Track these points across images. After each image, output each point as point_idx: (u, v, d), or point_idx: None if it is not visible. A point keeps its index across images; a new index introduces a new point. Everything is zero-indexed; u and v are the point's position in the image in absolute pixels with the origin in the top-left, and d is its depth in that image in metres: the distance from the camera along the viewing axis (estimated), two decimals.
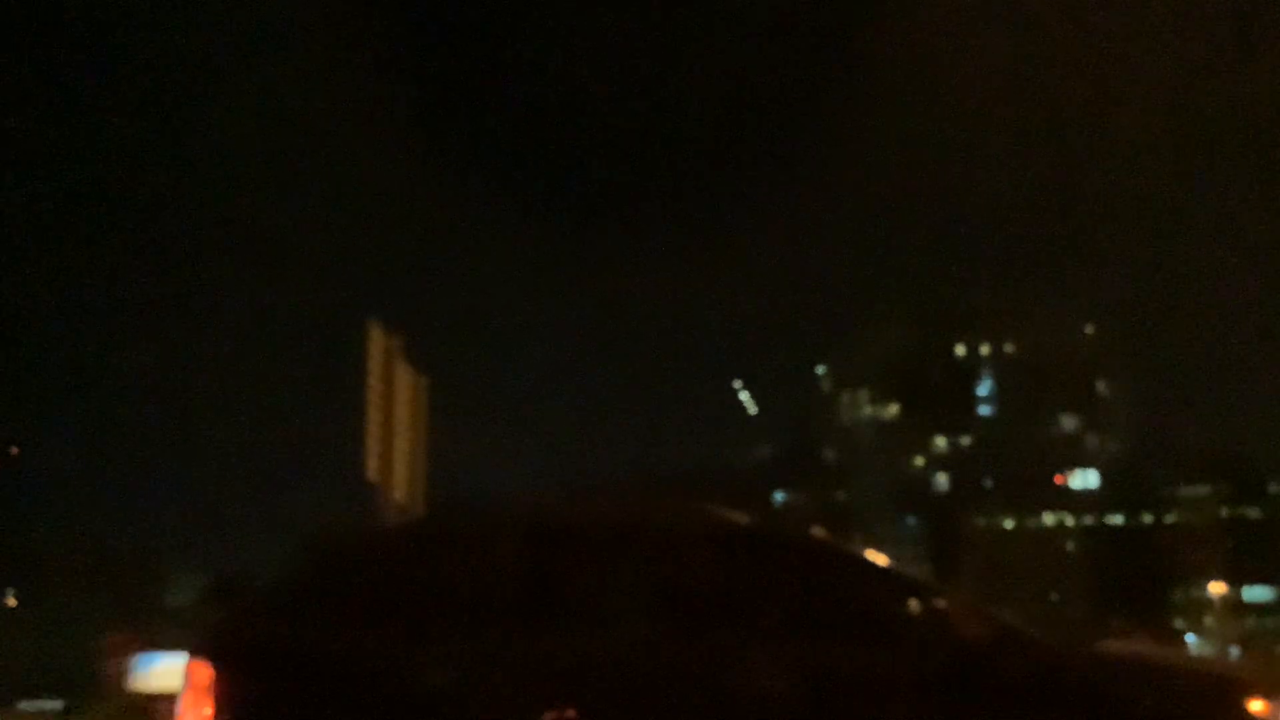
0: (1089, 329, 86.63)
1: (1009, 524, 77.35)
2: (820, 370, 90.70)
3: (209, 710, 4.80)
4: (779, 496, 77.81)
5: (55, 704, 28.79)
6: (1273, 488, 75.00)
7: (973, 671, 4.76)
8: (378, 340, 10.77)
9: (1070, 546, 76.32)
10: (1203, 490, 74.36)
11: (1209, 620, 71.05)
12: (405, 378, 11.10)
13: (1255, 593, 73.47)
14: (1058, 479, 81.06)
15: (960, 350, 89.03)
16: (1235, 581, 72.45)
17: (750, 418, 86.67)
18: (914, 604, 4.96)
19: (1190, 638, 63.52)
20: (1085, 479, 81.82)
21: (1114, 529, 76.83)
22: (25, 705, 30.59)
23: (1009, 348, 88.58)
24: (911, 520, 79.98)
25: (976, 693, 4.74)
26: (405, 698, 4.76)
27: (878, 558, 5.20)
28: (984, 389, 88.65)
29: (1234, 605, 72.39)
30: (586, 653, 4.76)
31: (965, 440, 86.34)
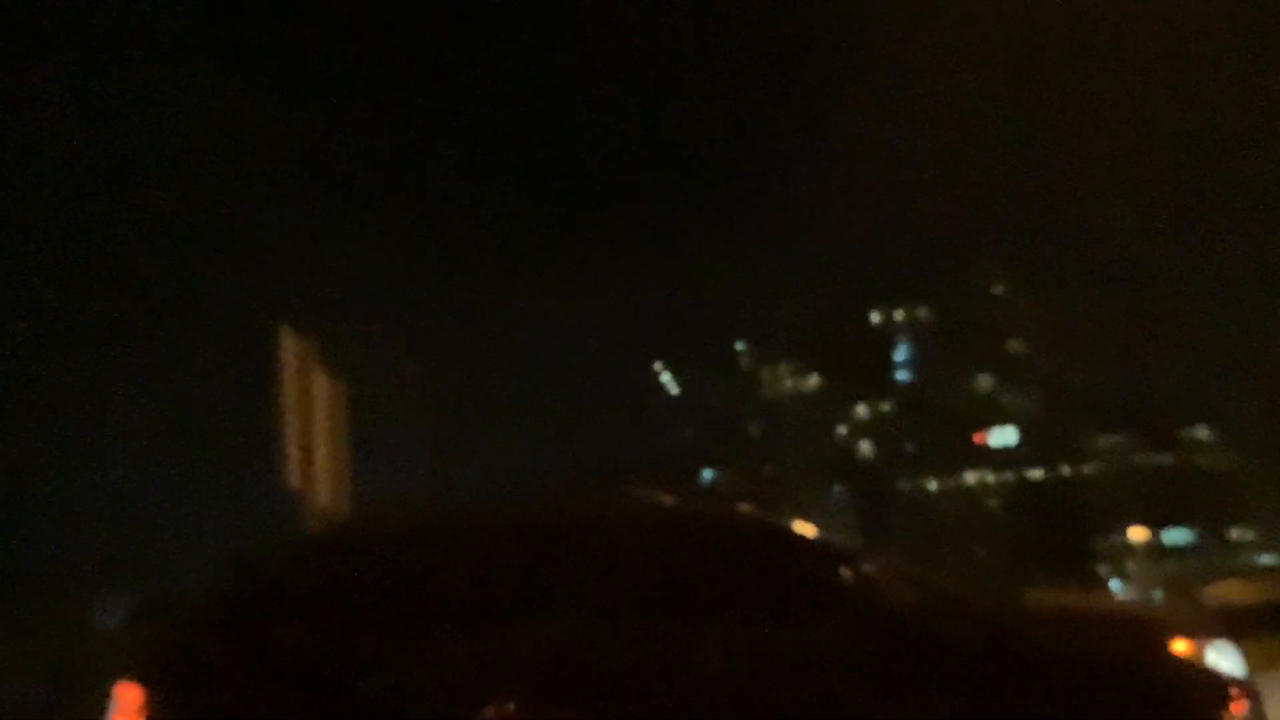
0: (998, 289, 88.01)
1: (933, 486, 78.54)
2: (739, 346, 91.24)
3: None
4: (706, 475, 78.18)
5: None
6: (1183, 434, 76.91)
7: (906, 636, 4.82)
8: (291, 346, 10.63)
9: (993, 503, 77.70)
10: (1116, 439, 76.09)
11: (1131, 566, 72.71)
12: (323, 383, 10.96)
13: (1174, 536, 75.30)
14: (977, 438, 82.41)
15: (875, 318, 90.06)
16: (1155, 526, 74.23)
17: (673, 398, 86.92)
18: (844, 573, 5.01)
19: (1115, 584, 64.97)
20: (1004, 436, 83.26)
21: (1034, 483, 78.33)
22: None
23: (922, 312, 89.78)
24: (838, 489, 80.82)
25: (911, 657, 4.80)
26: (338, 704, 4.72)
27: (806, 529, 5.24)
28: (901, 354, 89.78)
29: (1155, 550, 74.14)
30: (523, 646, 4.75)
31: (885, 406, 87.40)
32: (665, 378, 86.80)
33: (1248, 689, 5.00)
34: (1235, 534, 74.77)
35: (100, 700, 5.13)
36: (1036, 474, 78.97)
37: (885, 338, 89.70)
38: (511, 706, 4.62)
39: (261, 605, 5.01)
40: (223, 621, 5.00)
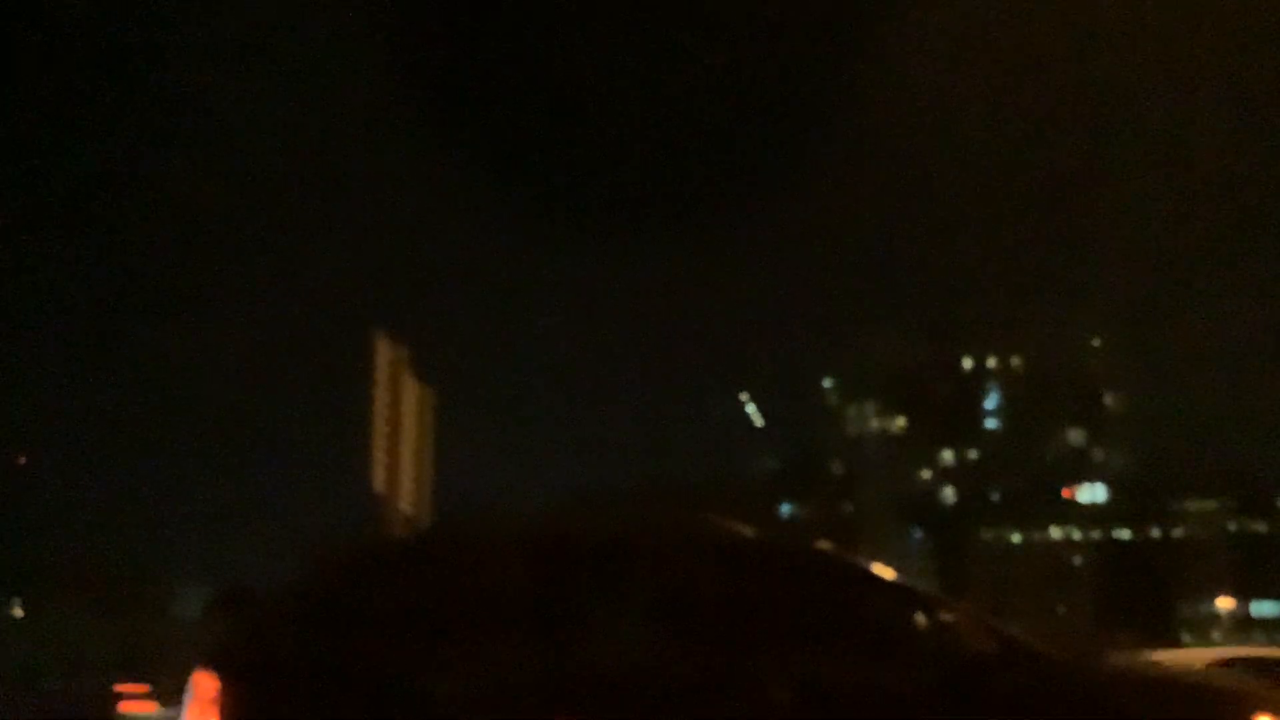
0: (1096, 342, 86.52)
1: (1016, 538, 77.17)
2: (827, 383, 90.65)
3: None
4: (785, 509, 77.73)
5: None
6: None
7: (979, 685, 4.75)
8: (385, 352, 10.79)
9: (1077, 560, 76.13)
10: (1210, 504, 74.15)
11: (1216, 635, 70.80)
12: (412, 390, 11.12)
13: (1263, 608, 73.22)
14: (1065, 493, 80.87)
15: (967, 363, 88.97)
16: (1243, 596, 72.21)
17: (756, 430, 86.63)
18: (920, 617, 4.95)
19: None
20: (1093, 493, 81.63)
21: (1121, 543, 76.63)
22: None
23: (1015, 361, 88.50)
24: (918, 533, 79.81)
25: (983, 706, 4.73)
26: (413, 710, 4.76)
27: (884, 571, 5.19)
28: (991, 402, 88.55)
29: (1241, 620, 72.13)
30: (593, 664, 4.77)
31: (972, 453, 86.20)
32: (750, 409, 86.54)
33: None
34: None
35: (173, 683, 5.23)
36: (1124, 534, 77.26)
37: (976, 384, 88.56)
38: None
39: (340, 606, 5.08)
40: (301, 619, 5.07)
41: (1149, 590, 68.88)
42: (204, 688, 4.85)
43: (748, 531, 5.25)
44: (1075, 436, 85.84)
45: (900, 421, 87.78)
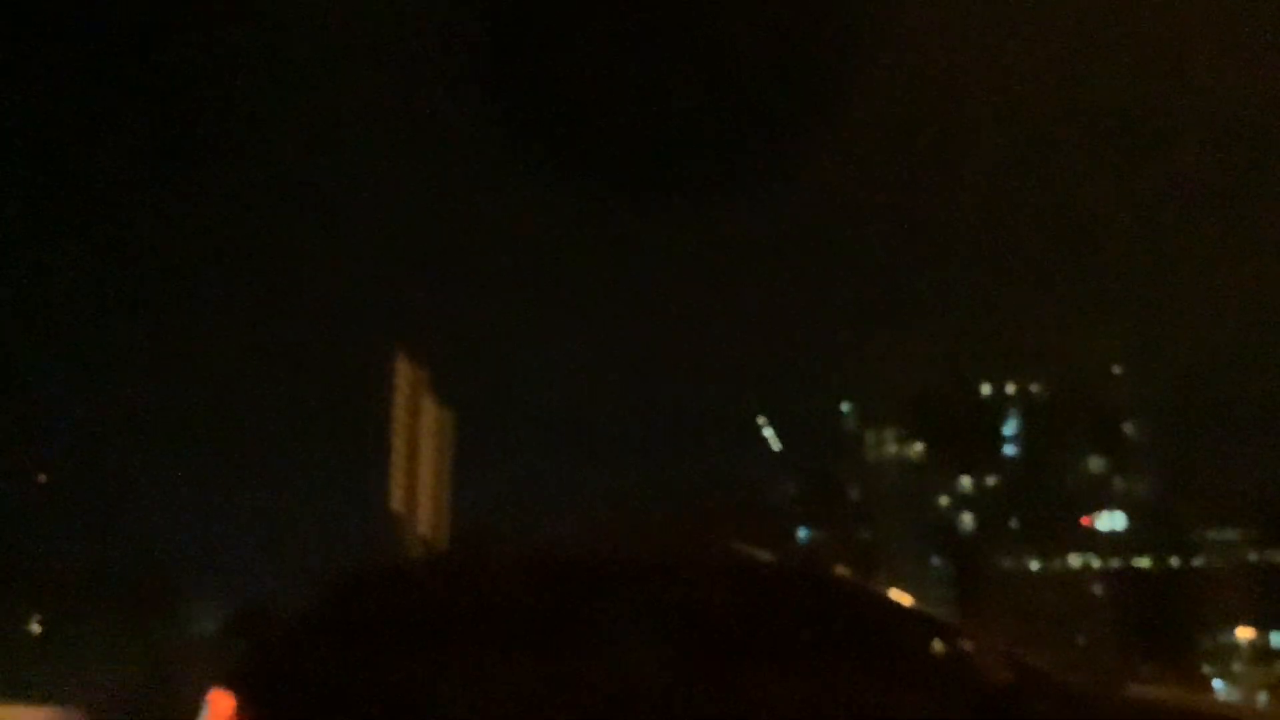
0: (1117, 369, 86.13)
1: (1035, 565, 76.78)
2: (845, 408, 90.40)
3: None
4: (803, 534, 77.46)
5: None
6: None
7: (998, 714, 4.73)
8: (405, 373, 10.82)
9: (1097, 589, 75.67)
10: (1231, 534, 73.72)
11: (1237, 666, 70.18)
12: (431, 411, 11.15)
13: None
14: (1085, 521, 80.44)
15: (986, 389, 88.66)
16: (1264, 627, 71.61)
17: (774, 453, 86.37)
18: (939, 645, 4.94)
19: (1218, 684, 62.76)
20: (1112, 521, 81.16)
21: (1141, 572, 76.17)
22: None
23: (1035, 388, 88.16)
24: (936, 560, 79.42)
25: None
26: None
27: (902, 598, 5.18)
28: (1010, 429, 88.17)
29: (1263, 651, 71.50)
30: (612, 684, 4.76)
31: (991, 480, 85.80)
32: (768, 432, 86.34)
33: None
34: None
35: (189, 701, 5.25)
36: (1144, 563, 76.81)
37: (995, 410, 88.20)
38: None
39: (359, 628, 5.09)
40: (318, 639, 5.08)
41: (1169, 620, 68.37)
42: (221, 706, 4.85)
43: (765, 556, 5.25)
44: (1095, 464, 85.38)
45: (919, 447, 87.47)
